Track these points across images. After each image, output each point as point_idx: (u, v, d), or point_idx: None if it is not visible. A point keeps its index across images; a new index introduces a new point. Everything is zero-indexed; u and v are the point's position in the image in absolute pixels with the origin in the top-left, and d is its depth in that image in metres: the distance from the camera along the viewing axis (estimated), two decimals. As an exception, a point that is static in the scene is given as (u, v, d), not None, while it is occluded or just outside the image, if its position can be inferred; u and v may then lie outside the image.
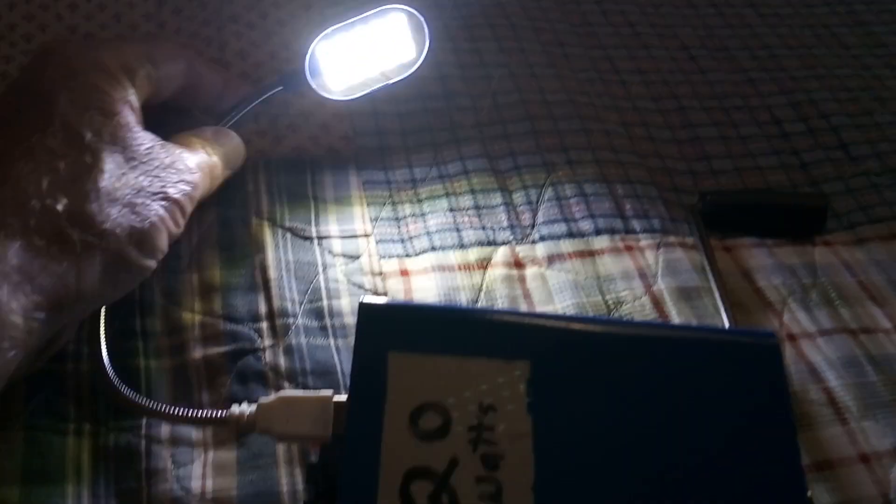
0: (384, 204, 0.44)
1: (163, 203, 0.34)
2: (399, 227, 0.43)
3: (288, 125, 0.46)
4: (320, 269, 0.40)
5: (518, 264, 0.42)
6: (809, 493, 0.28)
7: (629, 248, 0.43)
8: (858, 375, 0.38)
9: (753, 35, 0.58)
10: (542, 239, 0.43)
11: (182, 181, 0.35)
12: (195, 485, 0.33)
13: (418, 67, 0.44)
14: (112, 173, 0.32)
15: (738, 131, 0.51)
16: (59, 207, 0.30)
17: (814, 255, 0.44)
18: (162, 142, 0.36)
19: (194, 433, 0.34)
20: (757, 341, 0.30)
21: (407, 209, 0.44)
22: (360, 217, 0.43)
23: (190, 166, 0.36)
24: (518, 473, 0.26)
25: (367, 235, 0.42)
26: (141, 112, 0.36)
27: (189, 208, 0.36)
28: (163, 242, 0.34)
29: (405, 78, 0.44)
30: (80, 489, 0.32)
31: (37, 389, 0.35)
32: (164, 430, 0.34)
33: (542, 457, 0.26)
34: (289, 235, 0.41)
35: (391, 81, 0.44)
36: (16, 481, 0.32)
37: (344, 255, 0.41)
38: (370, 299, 0.30)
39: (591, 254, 0.43)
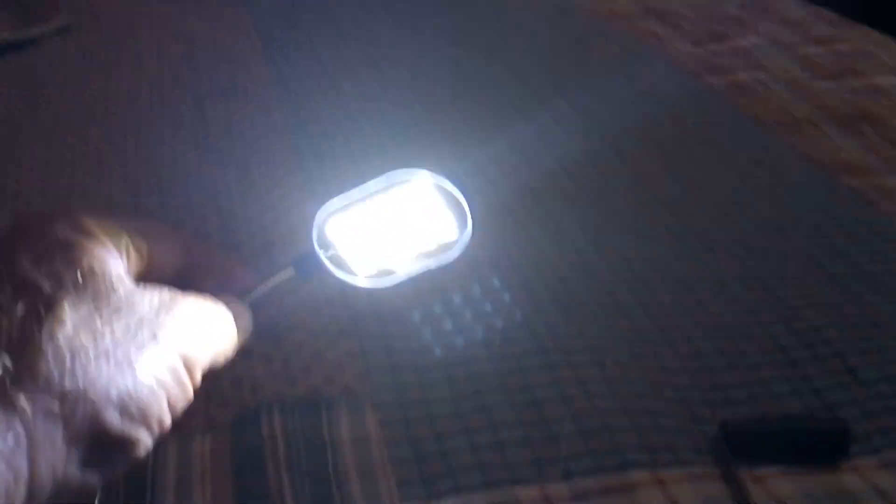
0: (402, 442, 0.43)
1: (159, 358, 0.27)
2: (419, 467, 0.41)
3: (301, 367, 0.46)
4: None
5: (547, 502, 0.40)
6: None
7: (661, 482, 0.42)
8: None
9: (744, 268, 0.60)
10: (571, 475, 0.42)
11: (190, 333, 0.28)
12: None
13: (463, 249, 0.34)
14: (79, 325, 0.25)
15: (746, 360, 0.52)
16: None
17: (844, 483, 0.43)
18: (164, 289, 0.29)
19: None
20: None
21: (428, 446, 0.42)
22: (378, 459, 0.41)
23: (202, 315, 0.29)
24: None
25: (386, 477, 0.40)
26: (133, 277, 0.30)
27: (200, 364, 0.29)
28: (158, 408, 0.27)
29: (449, 262, 0.34)
30: None
31: None
32: None
33: None
34: (307, 482, 0.39)
35: (433, 267, 0.34)
36: None
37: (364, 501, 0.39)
38: None
39: (623, 490, 0.41)
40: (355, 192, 0.33)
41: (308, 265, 0.33)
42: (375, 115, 0.80)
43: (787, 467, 0.44)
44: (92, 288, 0.27)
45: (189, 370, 0.28)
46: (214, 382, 0.39)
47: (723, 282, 0.59)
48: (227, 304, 0.31)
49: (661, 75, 0.92)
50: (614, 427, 0.44)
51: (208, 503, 0.38)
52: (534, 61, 0.95)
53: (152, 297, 0.28)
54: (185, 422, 0.41)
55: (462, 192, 0.33)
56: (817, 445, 0.45)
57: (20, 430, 0.23)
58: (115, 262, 0.28)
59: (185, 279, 0.32)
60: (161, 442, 0.33)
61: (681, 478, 0.42)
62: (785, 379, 0.50)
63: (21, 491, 0.23)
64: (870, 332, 0.54)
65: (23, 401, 0.23)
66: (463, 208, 0.33)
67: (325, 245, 0.33)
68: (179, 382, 0.27)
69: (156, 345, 0.27)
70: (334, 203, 0.33)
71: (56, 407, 0.24)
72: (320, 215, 0.33)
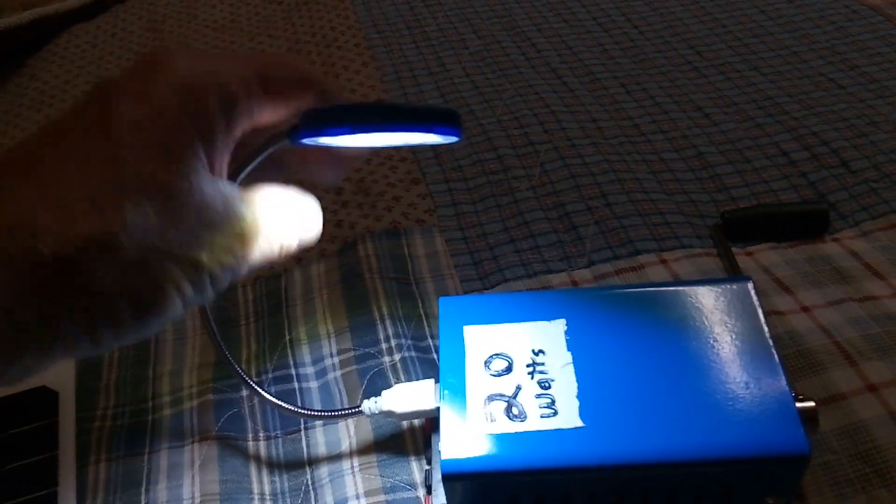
0: (463, 254, 0.56)
1: (185, 264, 0.28)
2: (476, 268, 0.55)
3: (384, 208, 0.60)
4: (420, 304, 0.52)
5: (574, 284, 0.53)
6: (806, 402, 0.36)
7: (664, 262, 0.53)
8: (864, 329, 0.46)
9: (758, 91, 0.69)
10: (592, 263, 0.54)
11: (225, 247, 0.30)
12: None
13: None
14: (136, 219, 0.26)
15: (751, 165, 0.61)
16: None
17: (824, 249, 0.53)
18: (230, 193, 0.30)
19: (341, 433, 0.46)
20: (735, 283, 0.40)
21: (482, 255, 0.56)
22: (445, 266, 0.55)
23: (241, 231, 0.31)
24: (565, 390, 0.36)
25: (452, 277, 0.54)
26: (231, 151, 0.31)
27: (224, 277, 0.30)
28: (171, 308, 0.29)
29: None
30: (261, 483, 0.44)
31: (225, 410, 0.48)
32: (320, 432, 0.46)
33: (581, 377, 0.36)
34: (394, 283, 0.54)
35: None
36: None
37: (436, 293, 0.53)
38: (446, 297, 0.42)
39: (633, 269, 0.53)
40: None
41: (301, 136, 0.32)
42: None
43: (776, 243, 0.54)
44: (165, 185, 0.27)
45: (216, 279, 0.30)
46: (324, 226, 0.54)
47: (737, 105, 0.67)
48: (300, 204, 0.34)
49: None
50: (629, 226, 0.56)
51: (325, 305, 0.53)
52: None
53: (211, 206, 0.29)
54: (306, 254, 0.56)
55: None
56: (802, 224, 0.55)
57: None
58: (213, 155, 0.29)
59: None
60: (288, 270, 0.47)
61: (681, 256, 0.53)
62: (784, 177, 0.60)
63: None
64: (866, 130, 0.62)
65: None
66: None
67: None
68: (199, 286, 0.29)
69: (191, 255, 0.29)
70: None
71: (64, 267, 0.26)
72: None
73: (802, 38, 0.74)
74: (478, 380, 0.37)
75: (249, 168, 0.33)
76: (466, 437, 0.35)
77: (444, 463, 0.35)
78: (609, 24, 0.80)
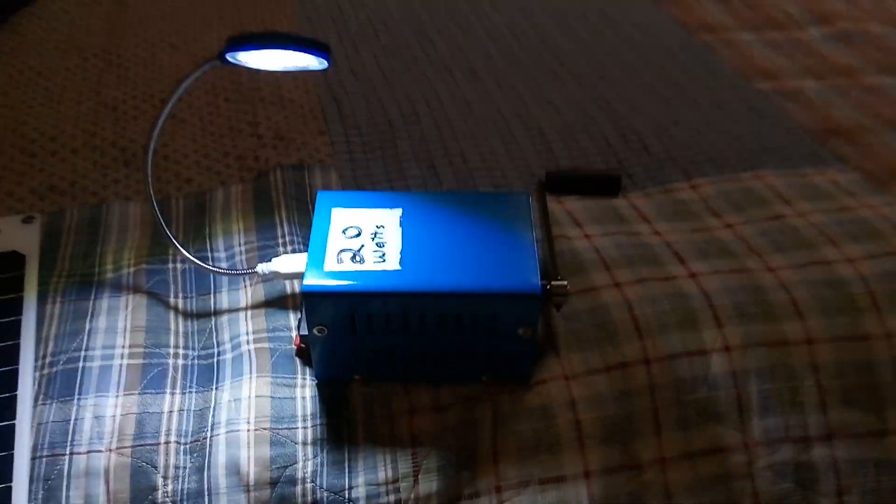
0: (351, 188, 0.73)
1: None
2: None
3: (294, 148, 0.77)
4: (311, 218, 0.69)
5: (429, 212, 0.71)
6: (561, 281, 0.54)
7: (497, 202, 0.71)
8: (623, 251, 0.65)
9: (599, 94, 0.88)
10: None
11: None
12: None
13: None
14: None
15: (578, 144, 0.80)
16: None
17: (615, 202, 0.72)
18: None
19: (241, 295, 0.62)
20: (515, 194, 0.58)
21: (366, 189, 0.73)
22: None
23: None
24: (392, 249, 0.54)
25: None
26: None
27: None
28: None
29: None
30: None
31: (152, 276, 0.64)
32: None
33: (404, 243, 0.54)
34: (294, 201, 0.71)
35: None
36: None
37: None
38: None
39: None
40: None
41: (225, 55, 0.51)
42: None
43: (581, 197, 0.73)
44: None
45: None
46: (245, 160, 0.71)
47: (580, 101, 0.87)
48: None
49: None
50: (477, 177, 0.74)
51: (239, 212, 0.70)
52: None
53: None
54: (228, 177, 0.73)
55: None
56: (602, 184, 0.74)
57: None
58: None
59: None
60: (212, 190, 0.64)
61: (511, 199, 0.72)
62: (601, 154, 0.79)
63: None
64: (668, 126, 0.82)
65: None
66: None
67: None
68: None
69: None
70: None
71: None
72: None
73: (643, 60, 0.95)
74: (336, 241, 0.55)
75: (187, 83, 0.50)
76: (321, 271, 0.52)
77: (304, 287, 0.52)
78: (495, 34, 1.00)
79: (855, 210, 0.69)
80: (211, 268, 0.60)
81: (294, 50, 0.49)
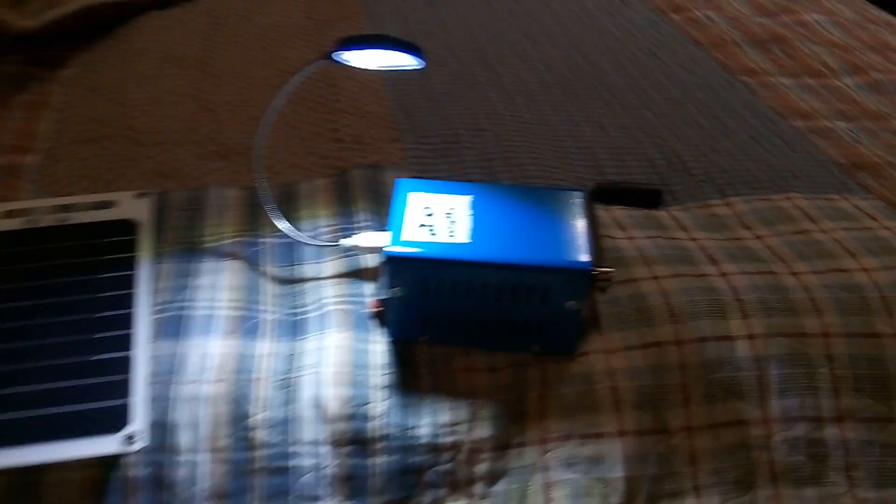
0: (420, 186, 0.83)
1: None
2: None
3: (372, 152, 0.87)
4: (385, 209, 0.79)
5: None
6: (608, 269, 0.62)
7: (550, 206, 0.80)
8: (662, 251, 0.73)
9: (647, 123, 0.97)
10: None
11: None
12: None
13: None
14: None
15: (625, 163, 0.89)
16: None
17: (656, 214, 0.81)
18: None
19: (324, 266, 0.72)
20: (571, 191, 0.67)
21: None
22: (407, 190, 0.82)
23: None
24: (463, 227, 0.63)
25: (410, 196, 0.81)
26: None
27: None
28: None
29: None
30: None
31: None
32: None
33: (474, 222, 0.63)
34: (367, 192, 0.80)
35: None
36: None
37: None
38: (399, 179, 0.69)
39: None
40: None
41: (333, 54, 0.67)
42: None
43: (627, 207, 0.82)
44: None
45: None
46: (328, 164, 0.81)
47: (628, 128, 0.96)
48: None
49: (636, 11, 1.28)
50: (535, 185, 0.83)
51: (321, 199, 0.79)
52: None
53: None
54: (311, 175, 0.82)
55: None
56: (645, 198, 0.83)
57: None
58: None
59: None
60: (299, 182, 0.74)
61: (562, 204, 0.80)
62: (645, 173, 0.88)
63: None
64: (708, 153, 0.91)
65: None
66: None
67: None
68: None
69: None
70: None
71: None
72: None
73: (688, 96, 1.04)
74: (413, 217, 0.64)
75: (298, 77, 0.60)
76: (400, 241, 0.61)
77: (386, 251, 0.60)
78: (552, 66, 1.10)
79: (875, 230, 0.76)
80: (303, 238, 0.70)
81: (394, 50, 0.59)
